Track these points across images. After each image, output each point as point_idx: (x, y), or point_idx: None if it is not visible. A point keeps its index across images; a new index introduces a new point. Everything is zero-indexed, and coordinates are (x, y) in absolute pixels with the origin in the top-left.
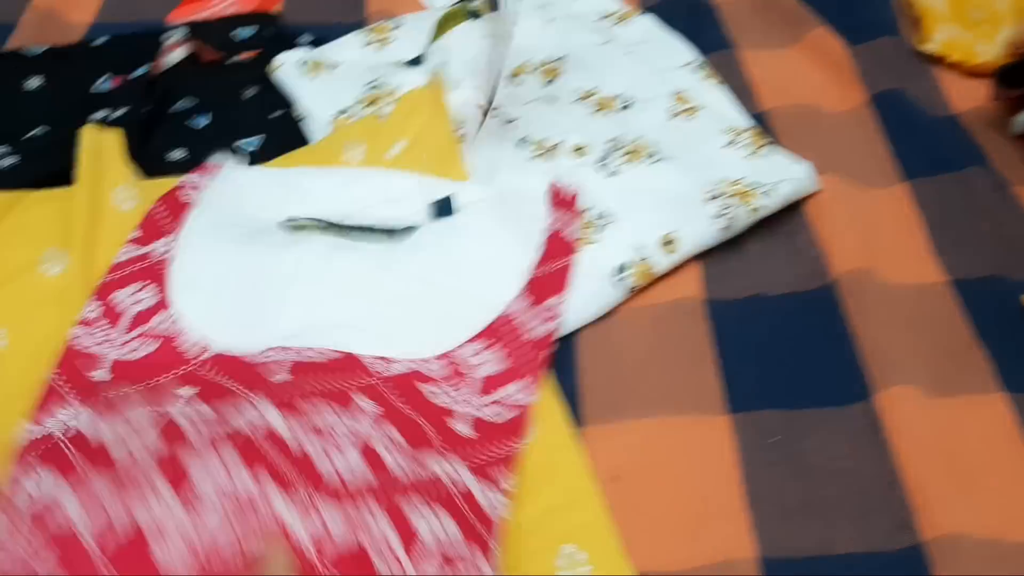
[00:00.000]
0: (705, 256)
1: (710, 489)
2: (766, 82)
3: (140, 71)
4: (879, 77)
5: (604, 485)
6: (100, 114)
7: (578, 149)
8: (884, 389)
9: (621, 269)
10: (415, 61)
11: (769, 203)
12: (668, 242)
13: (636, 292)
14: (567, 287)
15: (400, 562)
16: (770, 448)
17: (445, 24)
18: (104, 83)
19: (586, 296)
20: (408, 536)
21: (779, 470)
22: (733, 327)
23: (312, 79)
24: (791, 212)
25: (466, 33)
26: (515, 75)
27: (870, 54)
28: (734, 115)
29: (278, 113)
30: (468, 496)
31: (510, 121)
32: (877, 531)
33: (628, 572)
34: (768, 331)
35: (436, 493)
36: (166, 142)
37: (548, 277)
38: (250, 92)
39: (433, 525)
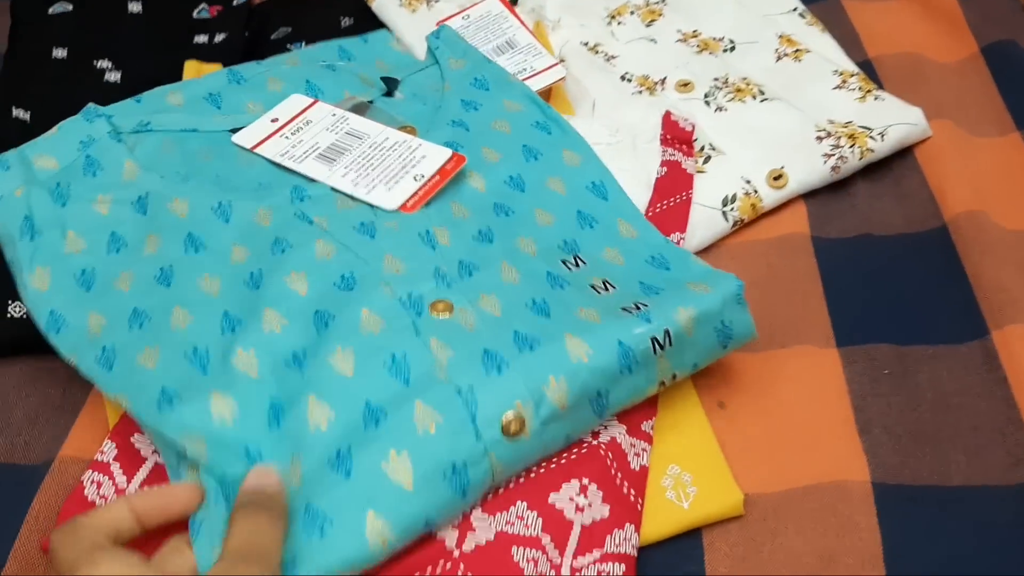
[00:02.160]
0: (811, 196)
1: (819, 416)
2: (871, 31)
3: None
4: (989, 29)
5: (710, 411)
6: (201, 38)
7: (684, 84)
8: (1002, 327)
9: (728, 201)
10: (513, 1)
11: (881, 147)
12: (777, 177)
13: (741, 226)
14: (687, 221)
15: None
16: (881, 380)
17: None
18: (202, 12)
19: (691, 226)
20: None
21: (891, 401)
22: (841, 264)
23: (412, 13)
24: (900, 156)
25: None
26: (615, 15)
27: (978, 6)
28: (842, 59)
29: None
30: None
31: (611, 58)
32: (993, 466)
33: (734, 493)
34: (878, 269)
35: None
36: None
37: (668, 211)
38: (347, 22)
39: None
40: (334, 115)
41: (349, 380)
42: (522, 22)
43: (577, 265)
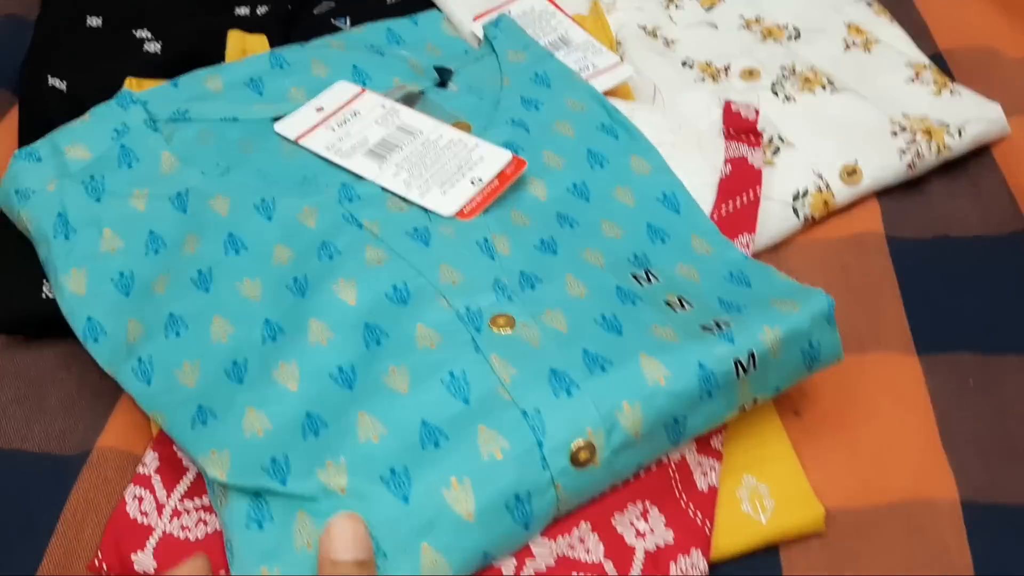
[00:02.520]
0: (884, 194)
1: (901, 428)
2: (940, 22)
3: None
4: None
5: (784, 420)
6: (243, 10)
7: (750, 72)
8: None
9: (798, 196)
10: None
11: (958, 144)
12: (851, 172)
13: (812, 223)
14: (755, 221)
15: None
16: (965, 391)
17: None
18: None
19: (760, 222)
20: None
21: (977, 414)
22: (918, 266)
23: None
24: (976, 154)
25: None
26: None
27: None
28: (913, 51)
29: None
30: None
31: (670, 43)
32: None
33: (814, 507)
34: (957, 272)
35: None
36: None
37: (736, 213)
38: None
39: None
40: (384, 107)
41: (404, 397)
42: (567, 15)
43: (649, 280)
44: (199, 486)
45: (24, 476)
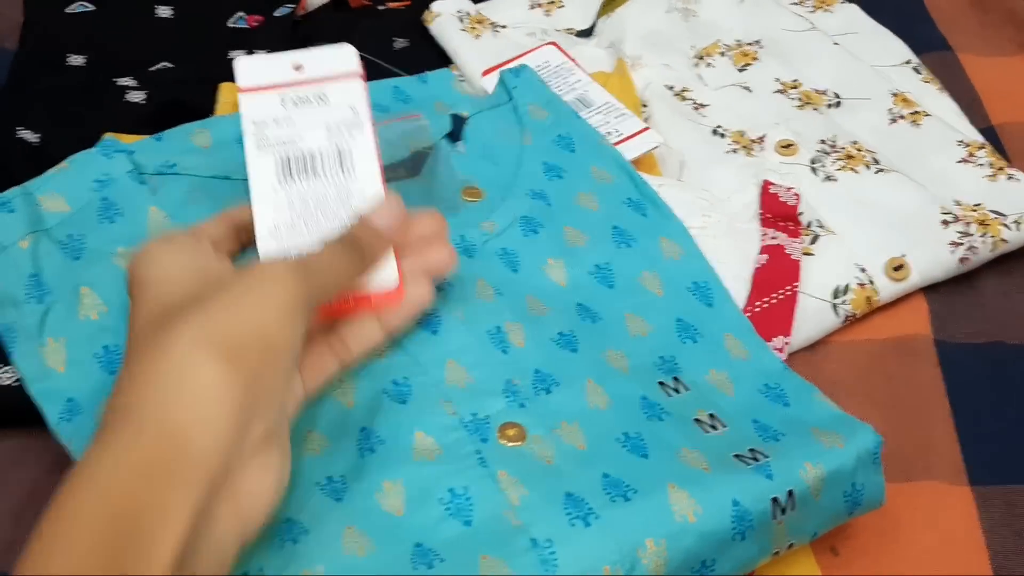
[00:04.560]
0: (931, 289)
1: (950, 570)
2: (993, 92)
3: (284, 10)
4: None
5: (820, 558)
6: (238, 54)
7: (786, 146)
8: None
9: (839, 292)
10: (586, 32)
11: (1015, 237)
12: (897, 267)
13: (852, 321)
14: (792, 321)
15: None
16: None
17: None
18: (239, 20)
19: (796, 319)
20: None
21: None
22: (970, 377)
23: (475, 38)
24: None
25: (645, 6)
26: (703, 56)
27: None
28: (965, 126)
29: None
30: None
31: (700, 107)
32: None
33: None
34: (1014, 388)
35: None
36: None
37: (771, 309)
38: (401, 43)
39: None
40: (352, 111)
41: (398, 519)
42: (584, 70)
43: (678, 390)
44: None
45: None
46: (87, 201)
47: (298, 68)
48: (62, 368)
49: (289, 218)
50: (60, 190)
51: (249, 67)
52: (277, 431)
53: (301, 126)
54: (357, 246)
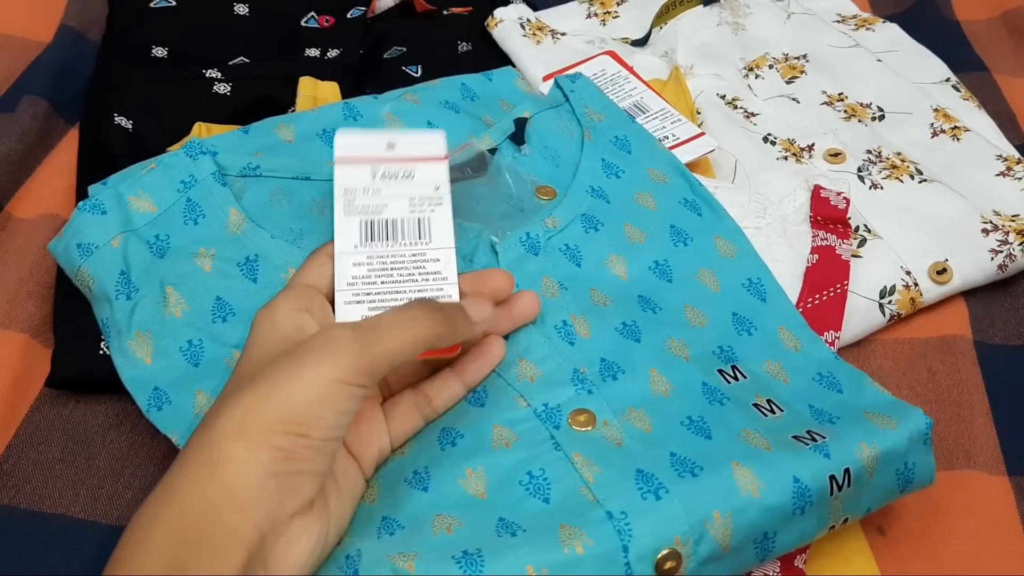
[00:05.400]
0: (971, 293)
1: (990, 552)
2: None
3: (356, 12)
4: None
5: (869, 536)
6: (313, 51)
7: (835, 155)
8: None
9: (885, 293)
10: (641, 41)
11: None
12: (940, 271)
13: (897, 320)
14: (842, 317)
15: None
16: None
17: (674, 8)
18: (310, 20)
19: (844, 318)
20: None
21: None
22: (1008, 377)
23: (536, 44)
24: None
25: (697, 19)
26: (752, 68)
27: None
28: (1002, 142)
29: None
30: None
31: (751, 115)
32: None
33: None
34: None
35: None
36: (379, 89)
37: (821, 306)
38: (465, 47)
39: None
40: (436, 189)
41: (482, 502)
42: (642, 80)
43: (736, 378)
44: None
45: (69, 544)
46: (173, 202)
47: (391, 146)
48: (149, 360)
49: (366, 272)
50: (148, 191)
51: (347, 140)
52: (322, 496)
53: (387, 196)
54: (439, 309)
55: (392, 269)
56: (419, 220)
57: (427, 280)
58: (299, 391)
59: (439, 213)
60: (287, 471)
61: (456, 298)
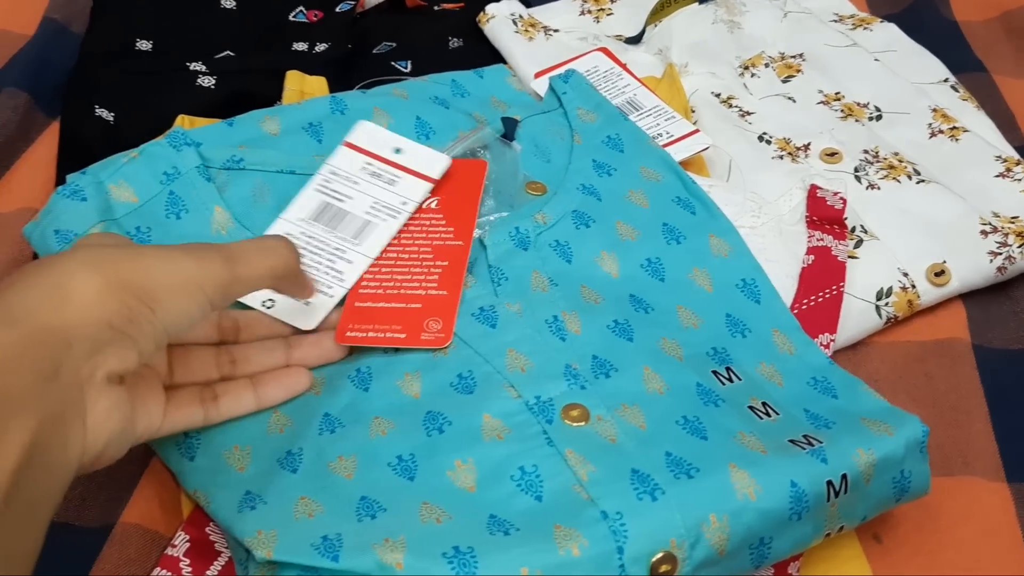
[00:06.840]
0: (969, 296)
1: (988, 560)
2: None
3: (344, 7)
4: None
5: (864, 544)
6: (300, 45)
7: (831, 154)
8: None
9: (882, 295)
10: (635, 39)
11: None
12: (939, 273)
13: (894, 322)
14: (837, 319)
15: None
16: None
17: (669, 5)
18: (299, 15)
19: (840, 320)
20: None
21: None
22: (1007, 382)
23: (528, 40)
24: None
25: (692, 17)
26: (748, 66)
27: None
28: (1001, 143)
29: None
30: None
31: (745, 114)
32: None
33: None
34: None
35: None
36: (368, 85)
37: (817, 308)
38: (455, 43)
39: None
40: (404, 204)
41: (471, 495)
42: (635, 76)
43: (731, 379)
44: (230, 572)
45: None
46: (155, 194)
47: (397, 151)
48: None
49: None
50: (129, 180)
51: (363, 130)
52: (135, 383)
53: (358, 190)
54: (294, 248)
55: (310, 251)
56: (366, 223)
57: (327, 274)
58: (164, 272)
59: (387, 224)
60: (123, 331)
61: (336, 300)
